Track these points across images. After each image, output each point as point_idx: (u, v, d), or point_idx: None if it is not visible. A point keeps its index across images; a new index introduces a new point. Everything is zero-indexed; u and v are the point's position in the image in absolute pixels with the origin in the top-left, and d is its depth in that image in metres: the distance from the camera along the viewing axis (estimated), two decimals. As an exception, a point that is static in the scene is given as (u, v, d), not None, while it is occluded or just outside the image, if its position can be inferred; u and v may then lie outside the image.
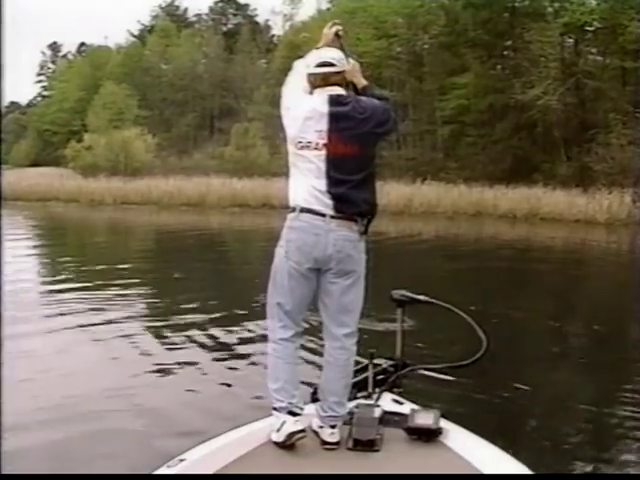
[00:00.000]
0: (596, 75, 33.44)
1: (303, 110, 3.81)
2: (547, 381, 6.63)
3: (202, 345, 7.59)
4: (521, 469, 3.45)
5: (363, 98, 3.93)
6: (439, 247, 18.36)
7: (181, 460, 3.33)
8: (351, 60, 4.10)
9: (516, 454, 3.61)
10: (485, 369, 6.47)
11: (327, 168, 3.76)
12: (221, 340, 7.81)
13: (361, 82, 4.05)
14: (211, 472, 3.33)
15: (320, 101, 3.83)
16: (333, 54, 3.98)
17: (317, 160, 3.77)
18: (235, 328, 8.21)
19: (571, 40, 35.96)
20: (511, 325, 8.69)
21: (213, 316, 8.99)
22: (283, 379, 3.87)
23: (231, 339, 7.82)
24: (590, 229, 22.77)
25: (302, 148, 3.78)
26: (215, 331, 8.14)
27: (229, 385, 6.22)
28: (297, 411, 3.80)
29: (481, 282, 12.29)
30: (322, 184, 3.76)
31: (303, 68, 4.02)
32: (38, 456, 4.68)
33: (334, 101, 3.83)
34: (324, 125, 3.76)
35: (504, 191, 26.93)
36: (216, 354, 7.26)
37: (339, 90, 3.90)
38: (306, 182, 3.79)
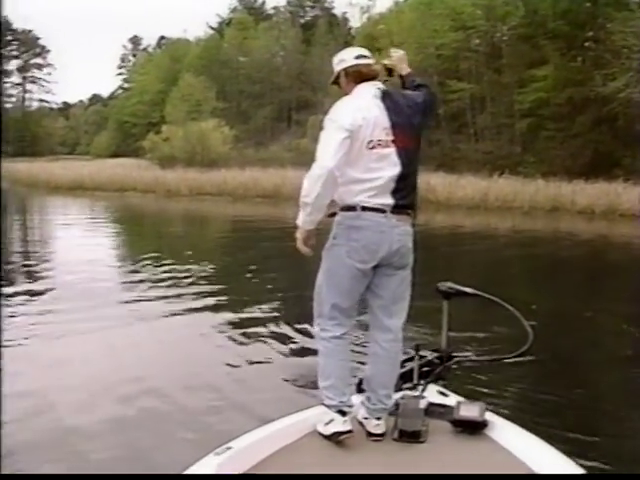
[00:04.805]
0: (681, 67, 32.48)
1: (367, 110, 3.77)
2: (611, 383, 6.46)
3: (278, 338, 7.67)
4: (568, 462, 3.41)
5: (407, 91, 4.01)
6: (513, 242, 18.09)
7: (228, 448, 3.38)
8: (399, 50, 4.19)
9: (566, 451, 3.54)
10: (543, 365, 6.39)
11: (401, 162, 3.78)
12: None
13: (405, 69, 4.12)
14: (257, 460, 3.38)
15: (373, 96, 3.85)
16: (363, 50, 4.03)
17: (390, 156, 3.78)
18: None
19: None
20: (582, 325, 8.50)
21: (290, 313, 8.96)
22: (334, 377, 3.87)
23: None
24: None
25: (373, 148, 3.75)
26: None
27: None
28: (346, 410, 3.81)
29: (555, 280, 12.07)
30: (392, 180, 3.78)
31: (337, 64, 4.00)
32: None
33: (385, 94, 3.86)
34: (387, 121, 3.78)
35: (582, 186, 26.29)
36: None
37: (380, 84, 3.93)
38: (370, 180, 3.77)
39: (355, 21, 69.49)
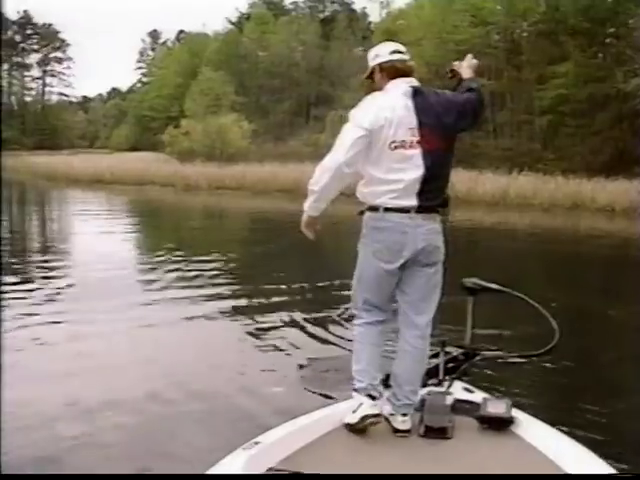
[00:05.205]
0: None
1: (391, 109, 3.75)
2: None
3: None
4: (595, 459, 3.40)
5: (444, 91, 3.96)
6: (533, 239, 18.00)
7: (256, 443, 3.41)
8: (475, 60, 4.11)
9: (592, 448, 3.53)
10: (568, 364, 6.36)
11: (425, 164, 3.75)
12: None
13: (468, 74, 4.03)
14: (284, 455, 3.40)
15: (402, 94, 3.81)
16: (399, 45, 4.00)
17: (413, 158, 3.75)
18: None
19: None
20: (606, 324, 8.47)
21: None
22: (365, 361, 3.93)
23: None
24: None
25: (396, 148, 3.74)
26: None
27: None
28: (375, 394, 3.85)
29: (576, 278, 12.04)
30: (417, 181, 3.76)
31: (372, 59, 3.99)
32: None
33: (416, 93, 3.82)
34: (414, 121, 3.75)
35: (603, 183, 26.09)
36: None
37: (414, 81, 3.89)
38: (392, 181, 3.77)
39: (375, 16, 69.48)
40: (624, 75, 31.32)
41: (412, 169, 3.75)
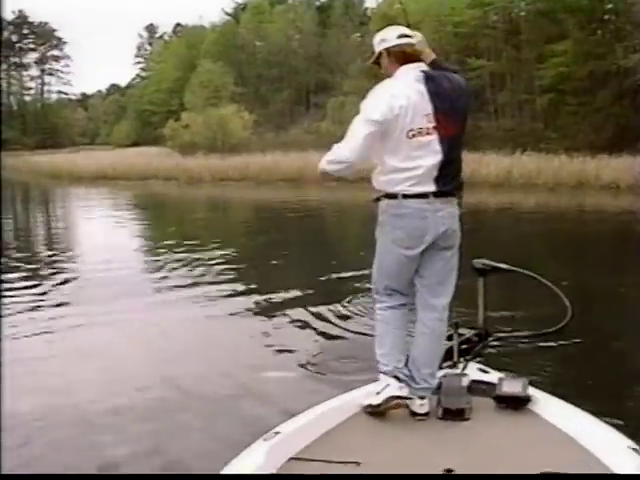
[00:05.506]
0: None
1: (405, 97, 3.69)
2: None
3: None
4: (614, 432, 3.41)
5: (451, 74, 3.87)
6: (540, 219, 18.00)
7: (276, 433, 3.42)
8: (417, 33, 3.97)
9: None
10: (583, 342, 6.32)
11: (442, 150, 3.73)
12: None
13: (431, 55, 3.93)
14: (305, 444, 3.42)
15: (415, 80, 3.75)
16: (405, 29, 3.92)
17: (431, 144, 3.73)
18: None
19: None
20: (618, 301, 8.42)
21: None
22: (389, 344, 3.93)
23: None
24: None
25: (414, 136, 3.71)
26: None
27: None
28: (402, 377, 3.85)
29: (585, 256, 12.01)
30: (435, 167, 3.74)
31: (378, 44, 3.92)
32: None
33: (428, 78, 3.76)
34: (429, 107, 3.71)
35: (607, 161, 26.01)
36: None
37: (424, 66, 3.84)
38: (411, 169, 3.74)
39: (371, 2, 69.35)
40: (624, 51, 31.22)
41: (430, 155, 3.73)
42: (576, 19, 35.33)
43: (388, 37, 3.90)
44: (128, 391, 5.46)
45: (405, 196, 3.76)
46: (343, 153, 3.73)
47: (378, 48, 3.93)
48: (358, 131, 3.71)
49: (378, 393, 3.77)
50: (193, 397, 5.38)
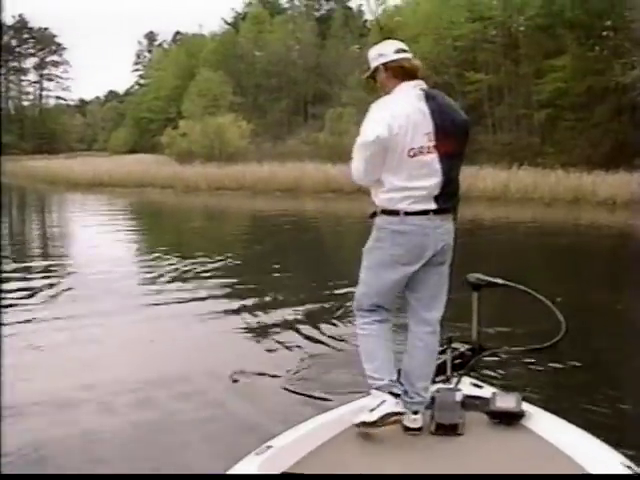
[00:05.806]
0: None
1: (405, 116, 3.67)
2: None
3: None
4: (607, 449, 3.40)
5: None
6: (535, 233, 18.01)
7: (268, 447, 3.40)
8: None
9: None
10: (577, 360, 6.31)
11: (442, 168, 3.73)
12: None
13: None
14: (297, 458, 3.39)
15: (416, 98, 3.73)
16: (402, 44, 3.90)
17: (431, 163, 3.72)
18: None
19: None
20: (614, 318, 8.41)
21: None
22: (381, 358, 3.89)
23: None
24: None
25: (415, 155, 3.69)
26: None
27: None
28: (397, 392, 3.81)
29: (580, 272, 12.00)
30: (436, 187, 3.74)
31: (375, 59, 3.89)
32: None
33: (429, 97, 3.75)
34: (430, 126, 3.69)
35: (603, 176, 26.02)
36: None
37: (423, 83, 3.83)
38: (413, 188, 3.73)
39: (370, 13, 69.38)
40: (622, 67, 31.25)
41: (431, 175, 3.73)
42: (575, 35, 35.45)
43: (385, 52, 3.87)
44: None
45: (407, 213, 3.74)
46: (354, 174, 3.83)
47: (375, 63, 3.89)
48: (360, 156, 3.74)
49: (372, 410, 3.71)
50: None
